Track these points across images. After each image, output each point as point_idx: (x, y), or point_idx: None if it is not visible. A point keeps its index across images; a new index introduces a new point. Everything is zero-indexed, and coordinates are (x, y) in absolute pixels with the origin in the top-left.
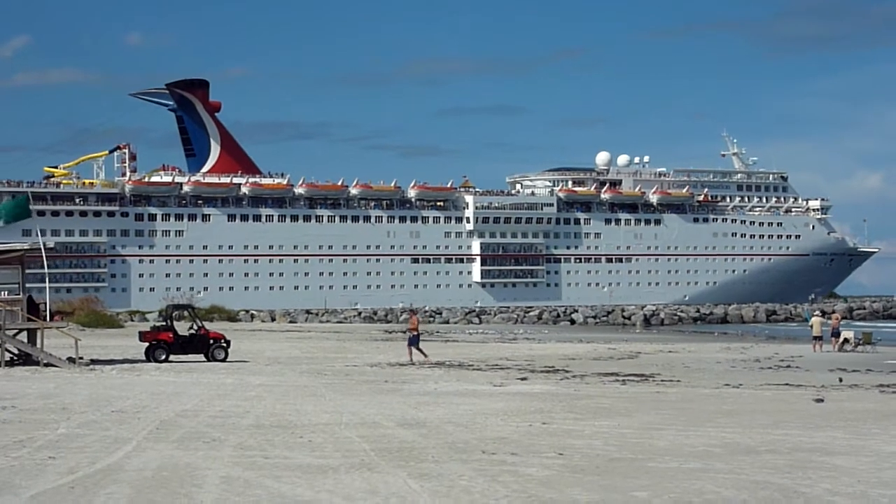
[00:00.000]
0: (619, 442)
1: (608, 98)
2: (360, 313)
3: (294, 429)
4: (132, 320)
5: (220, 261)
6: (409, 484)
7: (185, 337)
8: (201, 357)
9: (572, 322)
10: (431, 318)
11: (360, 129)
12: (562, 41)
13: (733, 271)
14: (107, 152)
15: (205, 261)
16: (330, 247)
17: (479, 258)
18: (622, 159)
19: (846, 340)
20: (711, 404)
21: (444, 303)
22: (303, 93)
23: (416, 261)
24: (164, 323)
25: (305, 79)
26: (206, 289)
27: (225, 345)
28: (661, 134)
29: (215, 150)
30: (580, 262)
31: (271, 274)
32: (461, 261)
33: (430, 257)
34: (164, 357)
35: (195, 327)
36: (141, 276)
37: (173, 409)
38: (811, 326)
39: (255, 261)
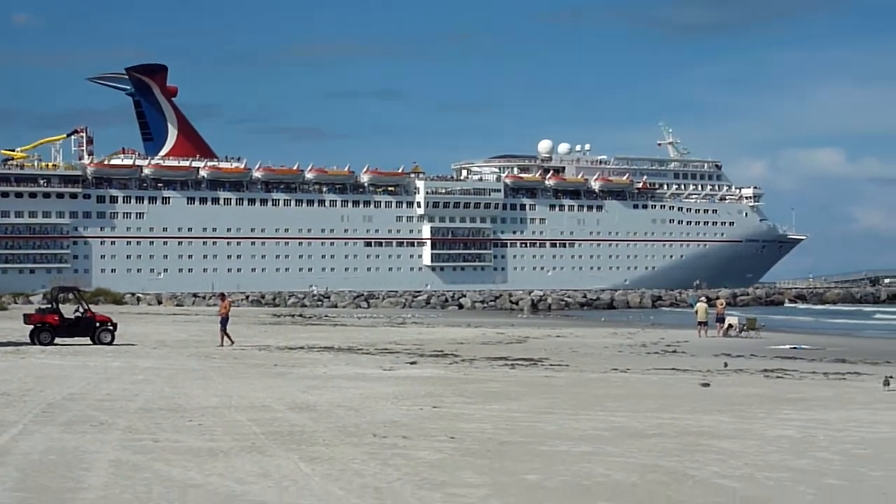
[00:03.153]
0: (509, 426)
1: (493, 83)
2: (247, 297)
3: (183, 412)
4: (16, 303)
5: (180, 243)
6: (300, 467)
7: (70, 319)
8: (87, 340)
9: (460, 307)
10: (319, 302)
11: (245, 110)
12: (447, 25)
13: (671, 256)
14: (64, 136)
15: (164, 242)
16: (286, 230)
17: (429, 242)
18: (563, 147)
19: (731, 326)
20: (600, 388)
21: (395, 286)
22: (194, 74)
23: (368, 244)
24: (49, 305)
25: (194, 60)
26: (165, 270)
27: (111, 328)
28: (578, 118)
29: (172, 134)
30: (526, 246)
31: (229, 256)
32: (412, 244)
33: (383, 241)
34: (49, 340)
35: (81, 310)
36: (102, 256)
37: (60, 392)
38: (696, 312)
39: (214, 243)
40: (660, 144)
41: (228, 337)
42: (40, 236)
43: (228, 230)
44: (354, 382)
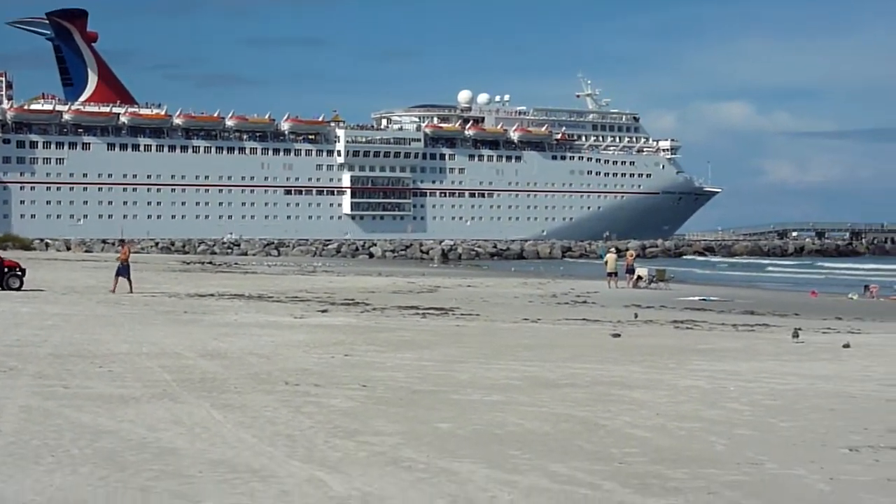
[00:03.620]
0: (421, 374)
1: (414, 31)
2: (157, 243)
3: (93, 358)
4: None
5: (100, 189)
6: (212, 414)
7: None
8: None
9: (371, 256)
10: (230, 250)
11: (164, 56)
12: None
13: (588, 208)
14: None
15: (84, 188)
16: (206, 177)
17: (349, 191)
18: (483, 97)
19: (640, 277)
20: (511, 338)
21: (315, 234)
22: (114, 19)
23: (288, 192)
24: None
25: (114, 4)
26: (85, 216)
27: (20, 273)
28: (497, 68)
29: (93, 80)
30: (445, 196)
31: (149, 203)
32: (332, 193)
33: (303, 189)
34: None
35: None
36: (22, 202)
37: None
38: (605, 263)
39: (134, 189)
40: (578, 96)
41: (130, 283)
42: None
43: (148, 177)
44: (265, 330)
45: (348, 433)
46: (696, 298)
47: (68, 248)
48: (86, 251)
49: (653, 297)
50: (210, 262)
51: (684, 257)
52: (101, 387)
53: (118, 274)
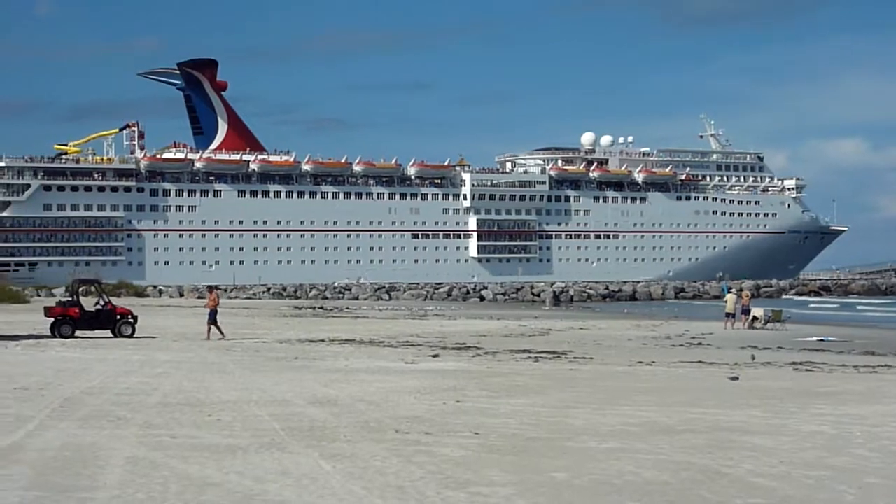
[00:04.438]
0: (534, 420)
1: (507, 73)
2: (269, 289)
3: (202, 406)
4: (38, 295)
5: (231, 235)
6: (321, 464)
7: (91, 312)
8: (108, 333)
9: (482, 299)
10: (341, 295)
11: (265, 102)
12: (465, 16)
13: (714, 248)
14: (117, 130)
15: (216, 235)
16: (335, 222)
17: (475, 234)
18: (606, 139)
19: (755, 318)
20: (626, 382)
21: (442, 277)
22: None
23: (416, 236)
24: (70, 298)
25: (231, 54)
26: (217, 262)
27: (132, 320)
28: (613, 110)
29: (223, 128)
30: (570, 238)
31: (279, 248)
32: (458, 236)
33: (430, 233)
34: (69, 333)
35: (102, 302)
36: (156, 249)
37: (78, 386)
38: (726, 302)
39: (264, 235)
40: (701, 136)
41: (219, 330)
42: (95, 229)
43: (278, 222)
44: (376, 376)
45: (460, 484)
46: (814, 339)
47: (181, 295)
48: (198, 297)
49: (769, 338)
50: (321, 307)
51: (797, 297)
52: (208, 436)
53: (210, 321)
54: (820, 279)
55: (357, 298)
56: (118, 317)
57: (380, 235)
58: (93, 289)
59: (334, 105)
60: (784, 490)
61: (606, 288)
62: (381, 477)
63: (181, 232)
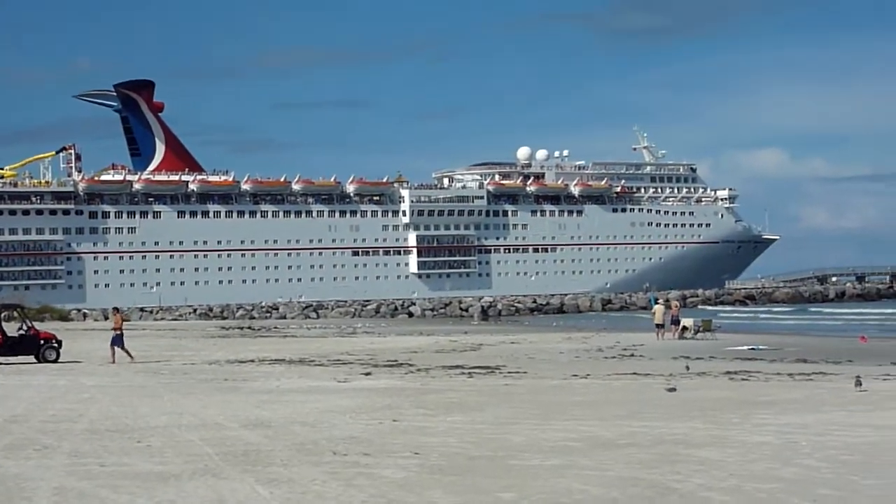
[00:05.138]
0: (475, 438)
1: (446, 91)
2: (195, 310)
3: (131, 432)
4: None
5: (171, 256)
6: (257, 491)
7: (14, 338)
8: (32, 358)
9: (410, 315)
10: (268, 314)
11: (193, 123)
12: (402, 34)
13: (650, 259)
14: (53, 153)
15: (156, 256)
16: (275, 241)
17: (415, 250)
18: (541, 153)
19: (685, 328)
20: (563, 396)
21: (383, 294)
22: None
23: (356, 253)
24: None
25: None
26: (158, 284)
27: (56, 345)
28: (546, 124)
29: (160, 149)
30: (509, 251)
31: (219, 268)
32: (398, 252)
33: (370, 250)
34: None
35: (25, 327)
36: (96, 272)
37: (1, 414)
38: (653, 314)
39: (205, 255)
40: (635, 149)
41: (127, 352)
42: (34, 253)
43: (219, 242)
44: (309, 396)
45: None
46: (745, 347)
47: (106, 318)
48: (124, 320)
49: (700, 347)
50: (249, 327)
51: (726, 305)
52: (139, 463)
53: (113, 344)
54: (745, 288)
55: (285, 317)
56: (42, 342)
57: (320, 253)
58: (15, 314)
59: (267, 124)
60: None
61: (534, 301)
62: (321, 502)
63: (121, 254)
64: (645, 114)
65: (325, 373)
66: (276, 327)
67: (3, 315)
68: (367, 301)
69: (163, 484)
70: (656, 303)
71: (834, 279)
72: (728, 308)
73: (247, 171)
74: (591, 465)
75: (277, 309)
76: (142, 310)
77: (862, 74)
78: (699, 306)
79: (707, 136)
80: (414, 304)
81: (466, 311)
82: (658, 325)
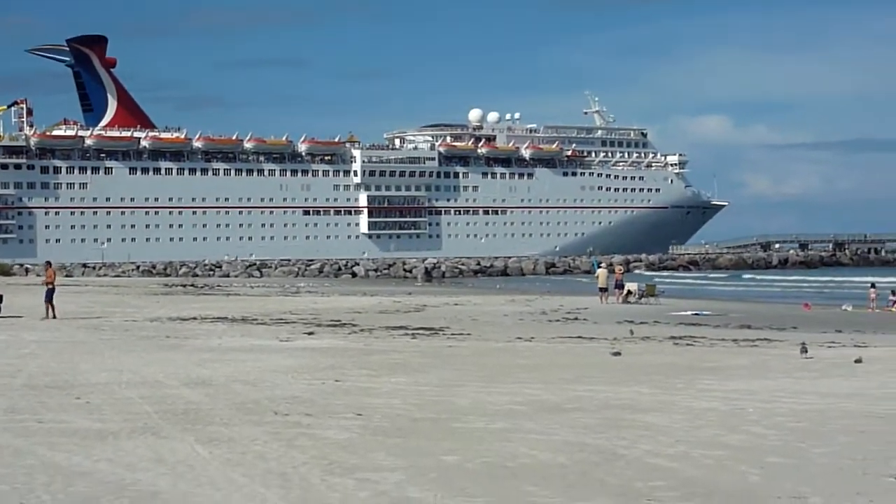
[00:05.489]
0: (418, 400)
1: (390, 49)
2: (138, 267)
3: (70, 389)
4: None
5: (123, 212)
6: (197, 450)
7: None
8: None
9: (353, 275)
10: (211, 272)
11: (139, 79)
12: None
13: (600, 223)
14: (5, 107)
15: (108, 212)
16: (226, 199)
17: (366, 210)
18: (493, 115)
19: (630, 292)
20: (507, 358)
21: (333, 254)
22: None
23: (307, 213)
24: None
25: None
26: (109, 240)
27: None
28: (498, 85)
29: (112, 105)
30: (459, 213)
31: (171, 226)
32: (349, 213)
33: (321, 209)
34: None
35: None
36: (47, 227)
37: None
38: (597, 278)
39: (156, 213)
40: (586, 113)
41: (52, 308)
42: None
43: (170, 199)
44: (251, 355)
45: (346, 469)
46: (689, 313)
47: None
48: (66, 276)
49: (644, 312)
50: (192, 285)
51: (669, 271)
52: (77, 420)
53: (47, 299)
54: (689, 254)
55: (228, 276)
56: None
57: (271, 212)
58: None
59: (212, 82)
60: (685, 471)
61: (478, 263)
62: (262, 463)
63: (73, 209)
64: (591, 78)
65: (267, 332)
66: (219, 285)
67: None
68: (311, 261)
69: (101, 442)
70: (599, 267)
71: (777, 246)
72: (666, 274)
73: (195, 129)
74: (537, 430)
75: (221, 267)
76: (84, 266)
77: (807, 43)
78: (641, 271)
79: (652, 101)
80: (357, 264)
81: (410, 272)
82: (601, 289)
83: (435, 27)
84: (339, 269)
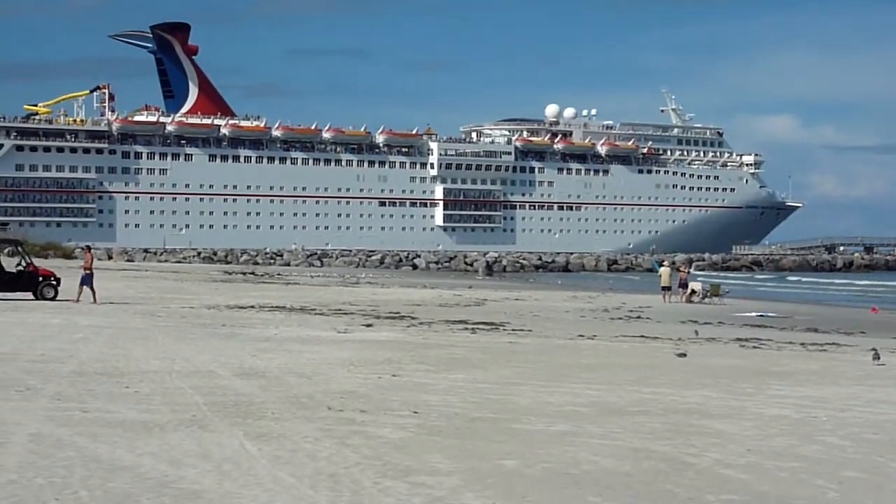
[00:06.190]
0: (477, 398)
1: (455, 42)
2: (199, 253)
3: (120, 377)
4: None
5: (201, 199)
6: (245, 446)
7: (12, 273)
8: (29, 295)
9: (414, 267)
10: (272, 260)
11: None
12: None
13: (674, 221)
14: (87, 92)
15: (186, 199)
16: (304, 188)
17: (441, 203)
18: (569, 111)
19: (693, 291)
20: (569, 357)
21: (408, 245)
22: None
23: (383, 204)
24: None
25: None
26: (187, 226)
27: (55, 283)
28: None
29: (193, 93)
30: (534, 208)
31: (248, 213)
32: (425, 205)
33: (397, 201)
34: None
35: (24, 264)
36: (126, 212)
37: None
38: (660, 276)
39: (234, 200)
40: (662, 111)
41: (93, 293)
42: (67, 190)
43: (248, 188)
44: (307, 346)
45: (400, 472)
46: (754, 314)
47: (109, 258)
48: (128, 260)
49: (708, 312)
50: (252, 273)
51: (733, 271)
52: (124, 410)
53: (82, 283)
54: (753, 254)
55: (289, 265)
56: (40, 279)
57: (348, 202)
58: (18, 249)
59: (276, 71)
60: (758, 485)
61: (539, 258)
62: (311, 462)
63: (152, 195)
64: (667, 75)
65: (325, 322)
66: (279, 274)
67: (5, 251)
68: (373, 251)
69: (146, 434)
70: (660, 266)
71: (842, 248)
72: (731, 274)
73: (269, 117)
74: (600, 434)
75: (282, 255)
76: (146, 251)
77: (875, 44)
78: (698, 271)
79: (722, 100)
80: (419, 255)
81: (471, 265)
82: (664, 288)
83: (510, 20)
84: (401, 260)
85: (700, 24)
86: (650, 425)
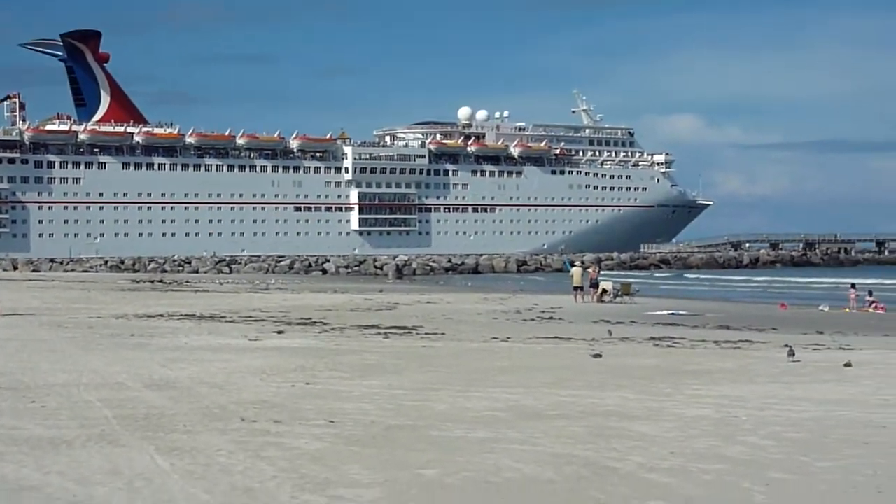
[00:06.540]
0: (393, 405)
1: (364, 46)
2: (106, 262)
3: (26, 391)
4: None
5: (116, 207)
6: (157, 461)
7: None
8: None
9: (324, 272)
10: (180, 268)
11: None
12: None
13: (587, 221)
14: None
15: (101, 207)
16: (218, 195)
17: (357, 207)
18: (482, 114)
19: (605, 291)
20: (484, 360)
21: (324, 250)
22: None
23: (298, 209)
24: None
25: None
26: (102, 235)
27: None
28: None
29: (105, 100)
30: (449, 211)
31: (163, 221)
32: (340, 209)
33: (312, 206)
34: None
35: None
36: (40, 221)
37: None
38: (572, 276)
39: (149, 208)
40: (574, 112)
41: None
42: None
43: (162, 195)
44: (218, 354)
45: (318, 485)
46: (665, 312)
47: (15, 268)
48: (33, 270)
49: (620, 311)
50: (160, 281)
51: (641, 270)
52: (30, 426)
53: None
54: (660, 252)
55: (197, 272)
56: None
57: (263, 208)
58: None
59: (186, 77)
60: (684, 489)
61: (450, 261)
62: (226, 477)
63: (66, 204)
64: (578, 77)
65: (235, 330)
66: (188, 282)
67: None
68: (282, 257)
69: (54, 451)
70: (571, 265)
71: (748, 245)
72: (638, 273)
73: (187, 124)
74: (520, 439)
75: (190, 263)
76: (51, 261)
77: (778, 43)
78: (607, 270)
79: (628, 100)
80: (328, 260)
81: (381, 269)
82: (576, 288)
83: (420, 24)
84: (310, 265)
85: (607, 24)
86: (570, 429)
